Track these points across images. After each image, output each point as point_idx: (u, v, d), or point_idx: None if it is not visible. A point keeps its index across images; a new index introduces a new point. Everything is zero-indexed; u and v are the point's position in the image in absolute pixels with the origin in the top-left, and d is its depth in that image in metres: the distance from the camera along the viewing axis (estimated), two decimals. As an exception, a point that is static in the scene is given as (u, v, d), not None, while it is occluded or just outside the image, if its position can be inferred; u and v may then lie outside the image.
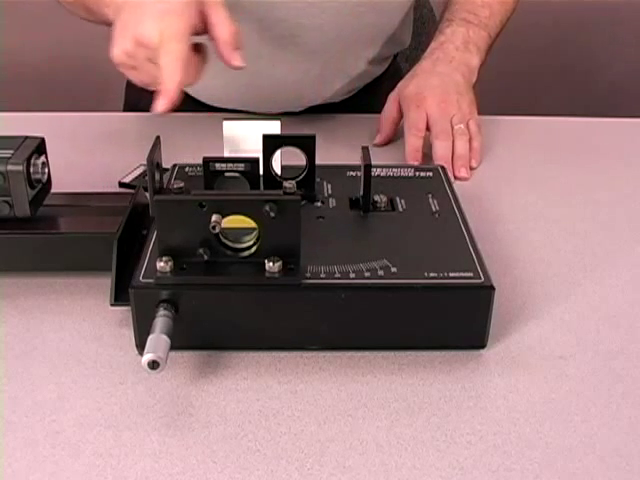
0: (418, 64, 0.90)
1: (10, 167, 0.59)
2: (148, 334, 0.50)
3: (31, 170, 0.61)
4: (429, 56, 0.89)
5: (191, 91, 0.98)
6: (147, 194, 0.64)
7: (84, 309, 0.60)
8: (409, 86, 0.86)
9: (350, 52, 0.94)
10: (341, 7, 0.87)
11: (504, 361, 0.56)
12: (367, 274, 0.54)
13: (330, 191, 0.66)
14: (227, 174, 0.61)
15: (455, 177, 0.81)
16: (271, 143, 0.63)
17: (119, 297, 0.57)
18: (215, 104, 0.97)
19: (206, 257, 0.53)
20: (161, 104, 0.64)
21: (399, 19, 0.97)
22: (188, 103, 0.98)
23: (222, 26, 0.66)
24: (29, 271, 0.64)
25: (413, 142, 0.83)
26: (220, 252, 0.54)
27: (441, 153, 0.82)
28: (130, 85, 1.09)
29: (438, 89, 0.85)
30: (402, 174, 0.70)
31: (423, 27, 1.19)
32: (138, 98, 1.05)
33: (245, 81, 0.92)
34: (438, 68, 0.87)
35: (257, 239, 0.54)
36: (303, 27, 0.88)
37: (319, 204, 0.64)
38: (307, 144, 0.64)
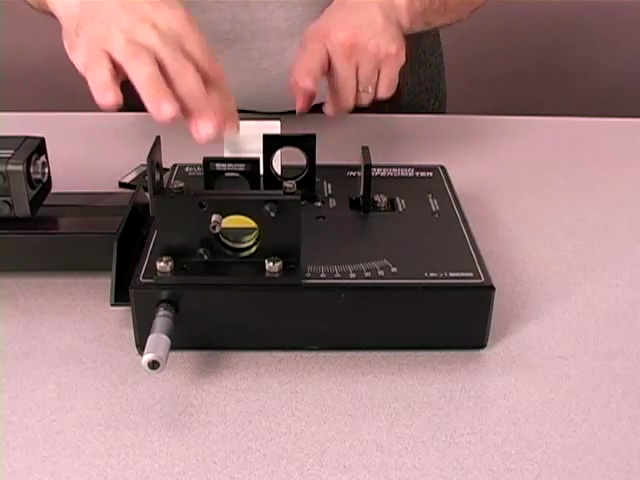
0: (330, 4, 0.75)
1: (10, 167, 0.59)
2: (148, 334, 0.50)
3: (31, 170, 0.61)
4: None
5: None
6: (147, 194, 0.64)
7: (84, 309, 0.60)
8: (313, 24, 0.72)
9: None
10: None
11: (504, 361, 0.56)
12: (367, 274, 0.54)
13: (330, 191, 0.66)
14: (227, 174, 0.61)
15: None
16: (271, 143, 0.64)
17: (119, 297, 0.57)
18: None
19: (206, 257, 0.53)
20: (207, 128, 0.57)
21: None
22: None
23: None
24: (29, 271, 0.64)
25: (303, 83, 0.69)
26: (220, 252, 0.54)
27: (329, 112, 0.71)
28: (124, 85, 1.09)
29: (347, 23, 0.69)
30: (402, 174, 0.70)
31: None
32: (134, 98, 1.05)
33: (252, 80, 0.92)
34: (348, 2, 0.72)
35: (257, 239, 0.54)
36: (308, 25, 0.88)
37: (319, 204, 0.64)
38: (307, 144, 0.64)
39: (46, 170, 0.64)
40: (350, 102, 0.71)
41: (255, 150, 0.64)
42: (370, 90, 0.71)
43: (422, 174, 0.70)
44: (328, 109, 0.72)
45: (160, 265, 0.53)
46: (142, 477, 0.46)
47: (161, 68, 0.58)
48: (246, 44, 0.89)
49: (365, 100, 0.72)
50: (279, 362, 0.55)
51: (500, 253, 0.68)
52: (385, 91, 0.72)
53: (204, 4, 0.88)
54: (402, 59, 0.71)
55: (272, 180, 0.64)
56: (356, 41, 0.67)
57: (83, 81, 0.62)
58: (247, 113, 0.94)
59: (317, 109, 0.97)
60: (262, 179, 0.64)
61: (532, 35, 1.87)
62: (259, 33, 0.88)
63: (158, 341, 0.50)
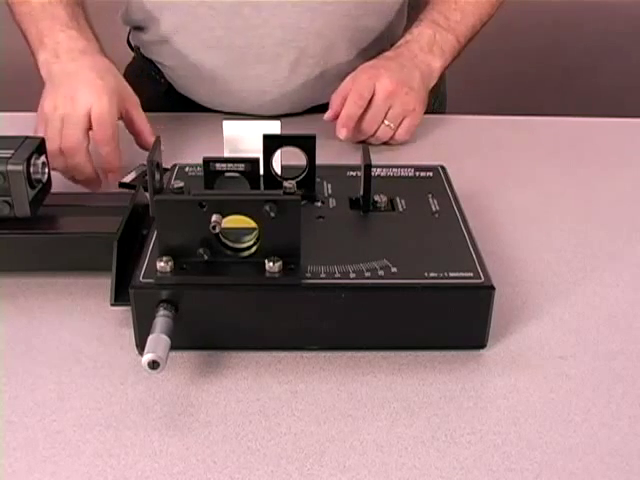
0: (381, 55, 0.91)
1: (10, 167, 0.59)
2: (148, 334, 0.50)
3: (31, 170, 0.61)
4: (393, 50, 0.91)
5: (193, 96, 0.98)
6: (147, 194, 0.64)
7: (84, 309, 0.60)
8: (368, 64, 0.89)
9: (349, 52, 0.94)
10: (338, 10, 0.88)
11: (504, 361, 0.56)
12: (367, 274, 0.54)
13: (330, 191, 0.66)
14: (227, 174, 0.61)
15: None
16: (271, 143, 0.64)
17: (119, 297, 0.57)
18: (216, 108, 0.97)
19: (206, 257, 0.53)
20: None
21: (395, 18, 0.97)
22: (188, 104, 0.98)
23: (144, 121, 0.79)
24: (29, 271, 0.64)
25: (351, 109, 0.84)
26: (220, 252, 0.54)
27: (357, 137, 0.87)
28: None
29: (395, 75, 0.87)
30: (402, 174, 0.70)
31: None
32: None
33: (247, 86, 0.92)
34: (399, 60, 0.89)
35: (257, 239, 0.54)
36: (302, 31, 0.89)
37: (319, 204, 0.64)
38: (307, 144, 0.64)
39: (46, 170, 0.64)
40: (371, 129, 0.87)
41: (255, 150, 0.64)
42: (392, 127, 0.87)
43: (422, 174, 0.70)
44: (343, 132, 0.85)
45: (160, 265, 0.53)
46: (142, 477, 0.46)
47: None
48: (241, 50, 0.90)
49: (385, 133, 0.87)
50: (279, 362, 0.55)
51: (500, 253, 0.68)
52: (403, 134, 0.88)
53: (198, 11, 0.88)
54: (421, 116, 0.89)
55: (272, 180, 0.64)
56: (397, 90, 0.85)
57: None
58: (245, 116, 0.94)
59: (318, 110, 0.97)
60: (262, 179, 0.64)
61: (532, 35, 1.86)
62: (253, 39, 0.89)
63: (158, 341, 0.50)
